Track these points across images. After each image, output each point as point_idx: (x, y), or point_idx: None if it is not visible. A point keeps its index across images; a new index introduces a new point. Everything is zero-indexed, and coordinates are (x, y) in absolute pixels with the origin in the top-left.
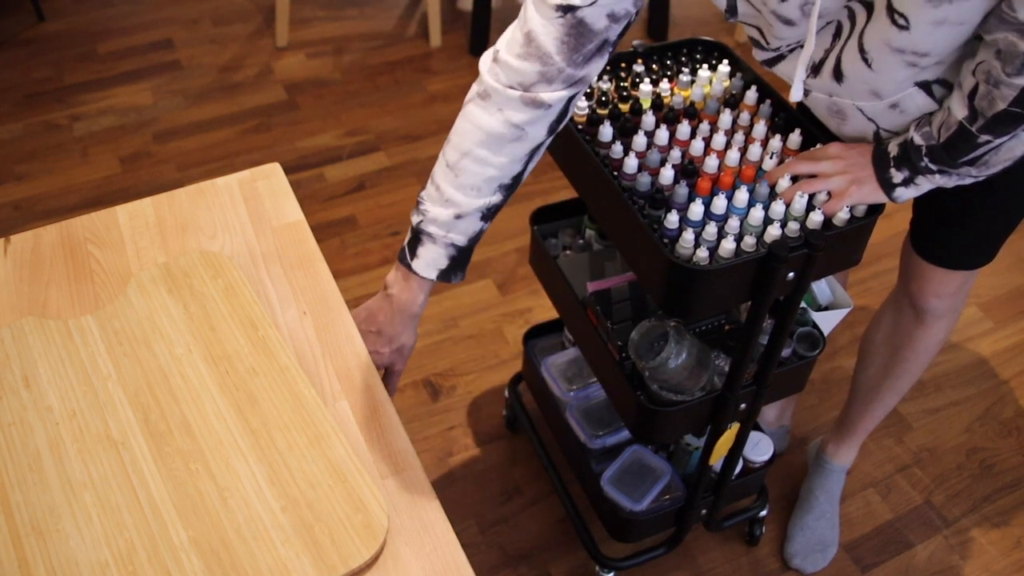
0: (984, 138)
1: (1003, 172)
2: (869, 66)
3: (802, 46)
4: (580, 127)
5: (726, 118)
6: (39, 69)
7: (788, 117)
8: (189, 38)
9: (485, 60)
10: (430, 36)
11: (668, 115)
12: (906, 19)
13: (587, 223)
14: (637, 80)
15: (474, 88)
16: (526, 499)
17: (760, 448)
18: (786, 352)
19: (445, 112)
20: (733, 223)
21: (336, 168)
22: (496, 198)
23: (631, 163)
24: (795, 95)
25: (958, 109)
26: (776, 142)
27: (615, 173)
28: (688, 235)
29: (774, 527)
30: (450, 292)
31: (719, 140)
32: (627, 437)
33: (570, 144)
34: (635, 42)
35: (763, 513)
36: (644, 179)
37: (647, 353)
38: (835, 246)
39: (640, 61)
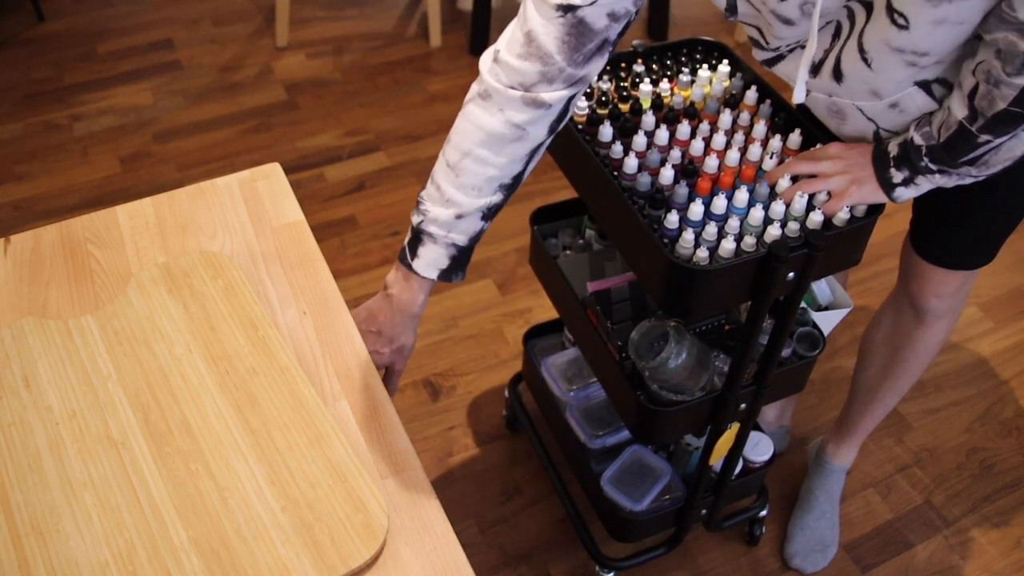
0: (984, 138)
1: (1003, 172)
2: (869, 66)
3: (802, 47)
4: (580, 127)
5: (726, 118)
6: (39, 69)
7: (788, 117)
8: (189, 38)
9: (485, 60)
10: (430, 36)
11: (668, 115)
12: (906, 19)
13: (587, 223)
14: (637, 80)
15: (474, 88)
16: (526, 499)
17: (760, 448)
18: (786, 352)
19: (445, 112)
20: (733, 223)
21: (336, 168)
22: (497, 198)
23: (631, 163)
24: (798, 96)
25: (958, 109)
26: (776, 142)
27: (615, 173)
28: (688, 235)
29: (774, 527)
30: (450, 292)
31: (719, 140)
32: (627, 437)
33: (570, 144)
34: (635, 42)
35: (763, 513)
36: (644, 179)
37: (647, 353)
38: (835, 246)
39: (640, 61)
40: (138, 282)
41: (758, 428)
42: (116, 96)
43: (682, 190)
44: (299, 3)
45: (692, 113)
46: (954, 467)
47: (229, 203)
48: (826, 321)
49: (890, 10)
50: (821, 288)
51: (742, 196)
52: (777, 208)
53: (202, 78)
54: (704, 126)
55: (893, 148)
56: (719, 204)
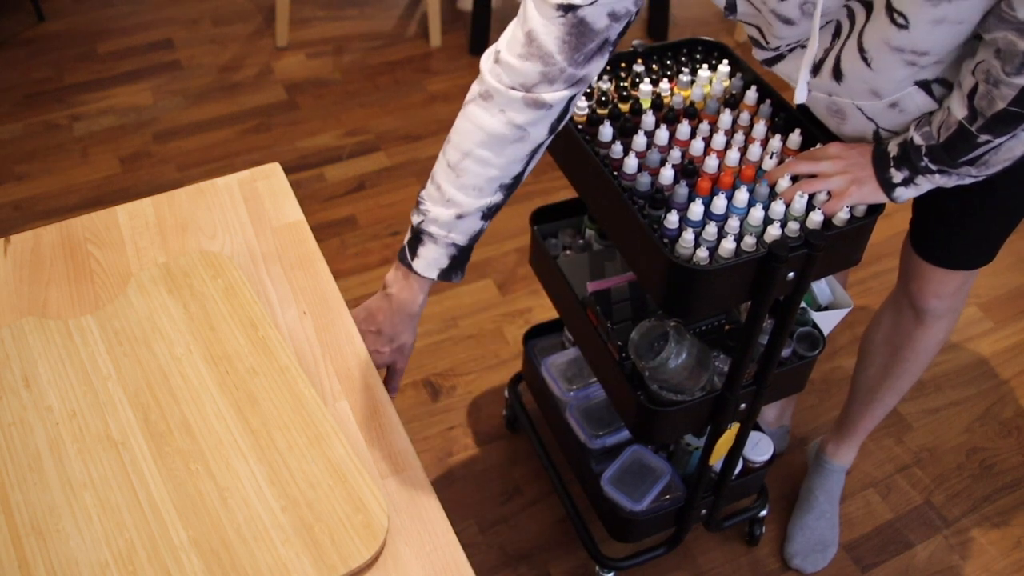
0: (984, 138)
1: (1003, 172)
2: (868, 65)
3: (802, 46)
4: (580, 127)
5: (726, 118)
6: (39, 69)
7: (788, 117)
8: (189, 38)
9: (486, 60)
10: (430, 36)
11: (668, 115)
12: (905, 18)
13: (587, 223)
14: (637, 80)
15: (475, 88)
16: (526, 499)
17: (760, 448)
18: (786, 352)
19: (445, 112)
20: (733, 223)
21: (336, 168)
22: (497, 198)
23: (631, 163)
24: (799, 96)
25: (958, 109)
26: (776, 142)
27: (615, 173)
28: (688, 235)
29: (774, 527)
30: (450, 292)
31: (719, 140)
32: (627, 437)
33: (570, 144)
34: (635, 42)
35: (763, 513)
36: (644, 179)
37: (647, 353)
38: (835, 246)
39: (640, 61)
40: (138, 282)
41: (758, 428)
42: (116, 96)
43: (682, 190)
44: (299, 3)
45: (692, 113)
46: (954, 467)
47: (229, 203)
48: (826, 321)
49: (890, 9)
50: (821, 288)
51: (742, 196)
52: (777, 208)
53: (202, 78)
54: (704, 126)
55: (893, 148)
56: (719, 204)
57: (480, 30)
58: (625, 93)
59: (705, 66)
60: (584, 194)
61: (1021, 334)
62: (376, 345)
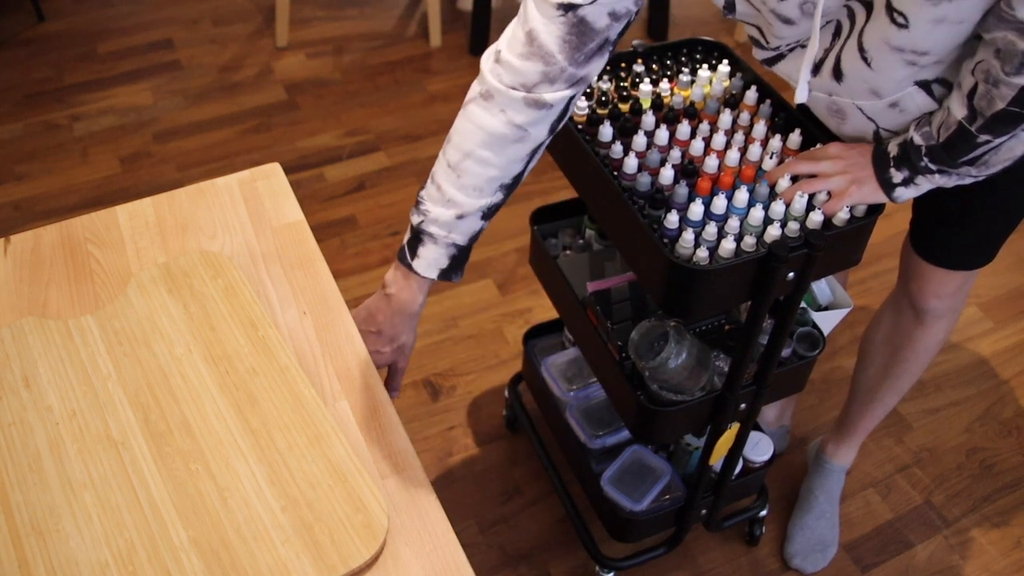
0: (983, 138)
1: (1003, 172)
2: (868, 65)
3: (802, 46)
4: (580, 127)
5: (726, 118)
6: (39, 69)
7: (788, 117)
8: (189, 38)
9: (487, 59)
10: (430, 36)
11: (668, 115)
12: (905, 17)
13: (587, 223)
14: (637, 80)
15: (476, 87)
16: (526, 499)
17: (760, 448)
18: (786, 352)
19: (445, 112)
20: (733, 223)
21: (336, 168)
22: (497, 197)
23: (631, 163)
24: (800, 96)
25: (957, 109)
26: (776, 142)
27: (615, 173)
28: (688, 235)
29: (774, 527)
30: (450, 292)
31: (719, 140)
32: (627, 437)
33: (570, 144)
34: (635, 42)
35: (763, 513)
36: (644, 179)
37: (647, 353)
38: (835, 246)
39: (640, 61)
40: (138, 282)
41: (758, 428)
42: (116, 96)
43: (682, 190)
44: (299, 3)
45: (692, 113)
46: (954, 467)
47: (229, 203)
48: (826, 321)
49: (890, 9)
50: (821, 288)
51: (742, 196)
52: (777, 208)
53: (202, 78)
54: (704, 126)
55: (893, 148)
56: (719, 204)
57: (480, 30)
58: (625, 93)
59: (705, 66)
60: (584, 194)
61: (1021, 334)
62: (376, 345)
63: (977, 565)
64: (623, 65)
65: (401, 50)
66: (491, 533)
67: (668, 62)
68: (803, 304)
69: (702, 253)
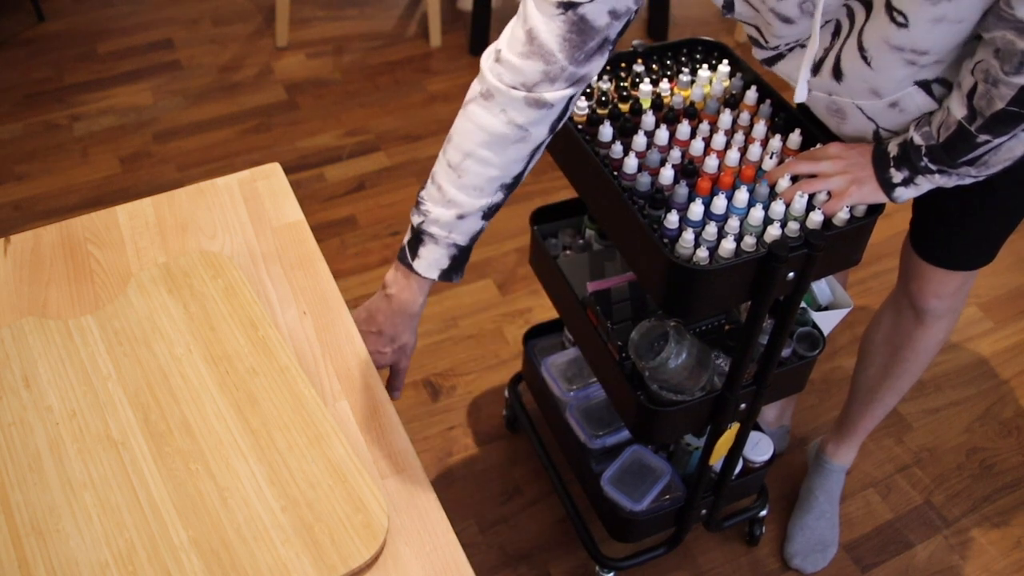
0: (983, 138)
1: (1003, 172)
2: (868, 64)
3: (802, 45)
4: (580, 127)
5: (726, 118)
6: (39, 69)
7: (788, 117)
8: (189, 38)
9: (487, 59)
10: (430, 36)
11: (668, 115)
12: (905, 16)
13: (587, 223)
14: (637, 80)
15: (476, 87)
16: (526, 499)
17: (760, 448)
18: (786, 352)
19: (445, 112)
20: (733, 223)
21: (336, 168)
22: (498, 197)
23: (631, 163)
24: (799, 95)
25: (957, 109)
26: (776, 142)
27: (615, 173)
28: (688, 235)
29: (774, 527)
30: (450, 292)
31: (719, 140)
32: (627, 437)
33: (570, 144)
34: (635, 42)
35: (763, 513)
36: (644, 179)
37: (647, 353)
38: (835, 246)
39: (640, 61)
40: (138, 282)
41: (758, 428)
42: (116, 96)
43: (682, 190)
44: (299, 3)
45: (692, 113)
46: (954, 467)
47: (229, 203)
48: (826, 321)
49: (889, 8)
50: (821, 288)
51: (742, 196)
52: (777, 208)
53: (202, 78)
54: (704, 126)
55: (893, 148)
56: (719, 204)
57: (480, 30)
58: (625, 93)
59: (705, 66)
60: (584, 194)
61: (1021, 334)
62: (377, 346)
63: (977, 565)
64: (623, 65)
65: (401, 50)
66: (491, 533)
67: (668, 62)
68: (803, 304)
69: (702, 253)
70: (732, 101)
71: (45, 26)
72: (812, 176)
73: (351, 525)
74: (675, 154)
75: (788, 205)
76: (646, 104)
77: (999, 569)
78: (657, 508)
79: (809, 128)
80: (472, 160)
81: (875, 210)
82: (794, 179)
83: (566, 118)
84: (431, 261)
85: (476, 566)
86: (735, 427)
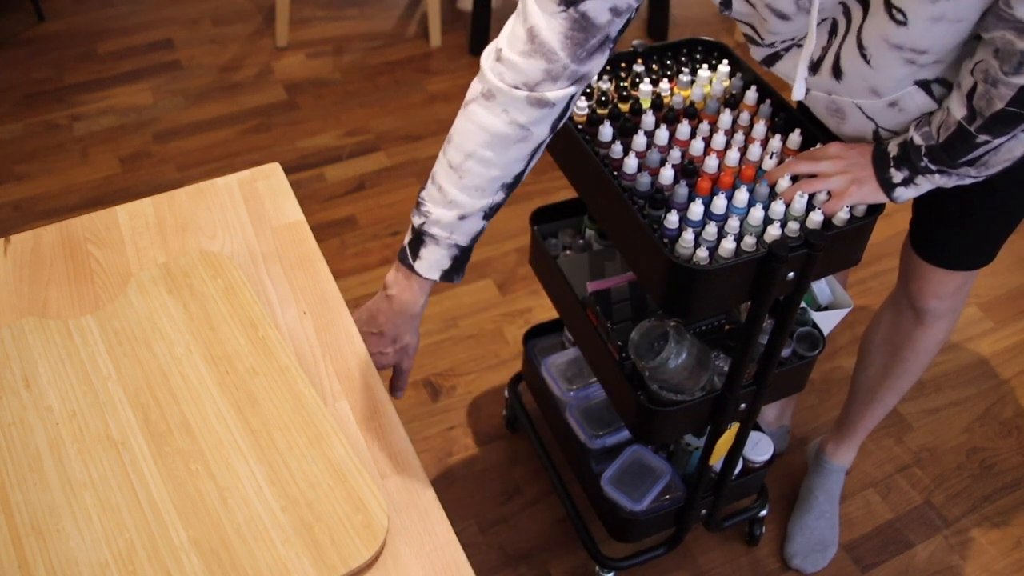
0: (983, 138)
1: (1003, 172)
2: (868, 63)
3: (799, 45)
4: (580, 127)
5: (726, 118)
6: (39, 69)
7: (788, 117)
8: (189, 38)
9: (487, 58)
10: (430, 36)
11: (668, 115)
12: (904, 15)
13: (587, 223)
14: (637, 80)
15: (476, 87)
16: (526, 499)
17: (760, 448)
18: (786, 352)
19: (445, 112)
20: (733, 223)
21: (336, 168)
22: (499, 197)
23: (631, 163)
24: (797, 94)
25: (957, 109)
26: (776, 142)
27: (615, 173)
28: (688, 235)
29: (774, 527)
30: (450, 292)
31: (719, 140)
32: (627, 437)
33: (570, 144)
34: (635, 42)
35: (763, 513)
36: (644, 179)
37: (647, 353)
38: (835, 246)
39: (640, 61)
40: (138, 282)
41: (758, 428)
42: (116, 96)
43: (682, 190)
44: (299, 3)
45: (692, 113)
46: (954, 467)
47: (229, 203)
48: (826, 321)
49: (889, 6)
50: (821, 288)
51: (742, 196)
52: (777, 208)
53: (202, 78)
54: (704, 126)
55: (893, 148)
56: (719, 204)
57: (480, 30)
58: (625, 93)
59: (705, 66)
60: (584, 194)
61: (1021, 334)
62: (379, 347)
63: (977, 565)
64: (623, 65)
65: (401, 50)
66: (491, 533)
67: (668, 62)
68: (803, 304)
69: (702, 253)
70: (732, 101)
71: (45, 26)
72: (812, 176)
73: (351, 525)
74: (675, 154)
75: (788, 205)
76: (646, 104)
77: (999, 569)
78: (657, 508)
79: (809, 128)
80: (473, 160)
81: (875, 210)
82: (794, 179)
83: (567, 117)
84: (432, 262)
85: (476, 566)
86: (735, 427)
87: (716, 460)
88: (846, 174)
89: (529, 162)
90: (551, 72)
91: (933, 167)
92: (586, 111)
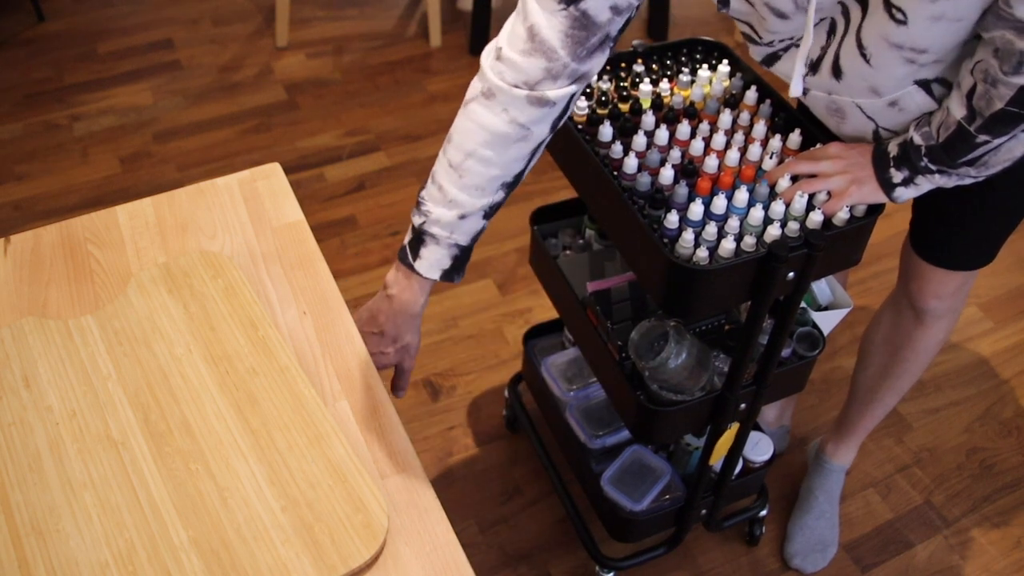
0: (982, 138)
1: (1003, 172)
2: (868, 62)
3: (798, 46)
4: (580, 127)
5: (726, 118)
6: (39, 69)
7: (788, 117)
8: (189, 38)
9: (487, 56)
10: (430, 36)
11: (668, 115)
12: (904, 14)
13: (587, 223)
14: (637, 80)
15: (476, 85)
16: (526, 499)
17: (760, 448)
18: (786, 352)
19: (445, 112)
20: (733, 223)
21: (336, 168)
22: (499, 196)
23: (631, 163)
24: (794, 90)
25: (957, 109)
26: (776, 142)
27: (615, 173)
28: (688, 235)
29: (774, 527)
30: (450, 292)
31: (719, 140)
32: (627, 437)
33: (570, 144)
34: (635, 42)
35: (763, 513)
36: (644, 179)
37: (647, 353)
38: (835, 246)
39: (640, 61)
40: (138, 282)
41: (758, 428)
42: (116, 96)
43: (682, 190)
44: (299, 3)
45: (692, 113)
46: (954, 467)
47: (229, 203)
48: (826, 321)
49: (888, 5)
50: (821, 288)
51: (742, 196)
52: (777, 208)
53: (202, 78)
54: (704, 126)
55: (893, 148)
56: (719, 204)
57: (480, 30)
58: (625, 93)
59: (705, 66)
60: (584, 194)
61: (1021, 334)
62: (380, 347)
63: (977, 565)
64: (623, 65)
65: (401, 50)
66: (491, 533)
67: (668, 62)
68: (803, 304)
69: (702, 253)
70: (732, 101)
71: (45, 26)
72: (812, 176)
73: (351, 525)
74: (675, 154)
75: (788, 205)
76: (646, 104)
77: (999, 569)
78: (657, 508)
79: (809, 128)
80: (474, 160)
81: (875, 210)
82: (794, 179)
83: (567, 116)
84: (433, 261)
85: (476, 566)
86: (735, 427)
87: (716, 460)
88: (846, 174)
89: (529, 161)
90: (551, 71)
91: (933, 167)
92: (586, 111)
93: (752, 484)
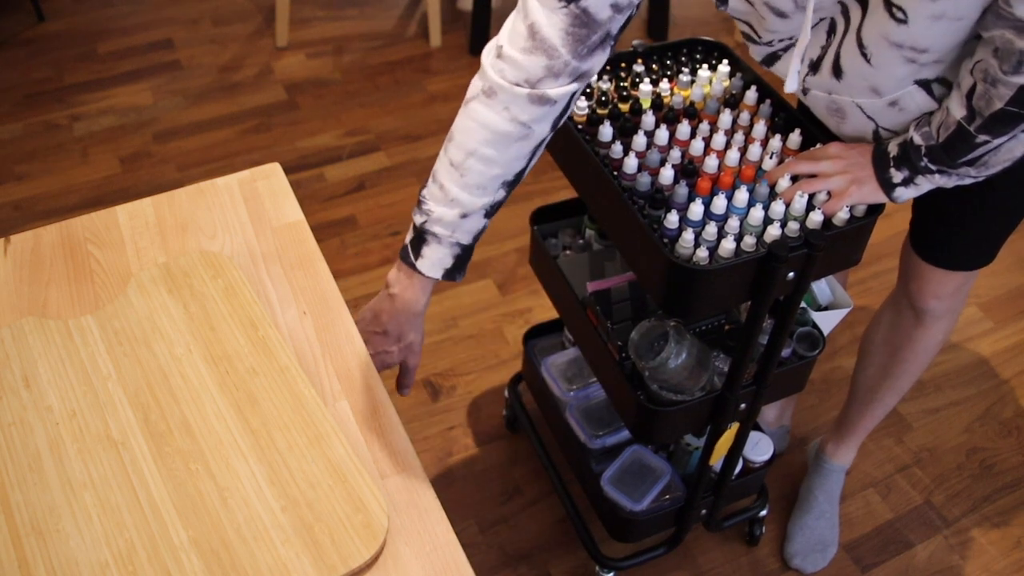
0: (982, 138)
1: (1003, 172)
2: (868, 61)
3: (795, 45)
4: (580, 127)
5: (726, 118)
6: (39, 69)
7: (788, 117)
8: (189, 38)
9: (488, 55)
10: (430, 36)
11: (668, 115)
12: (904, 12)
13: (587, 223)
14: (637, 80)
15: (477, 84)
16: (526, 499)
17: (760, 448)
18: (786, 352)
19: (445, 112)
20: (733, 223)
21: (336, 168)
22: (500, 195)
23: (631, 163)
24: (790, 86)
25: (956, 109)
26: (776, 142)
27: (615, 173)
28: (688, 235)
29: (774, 527)
30: (450, 292)
31: (719, 140)
32: (627, 437)
33: (570, 144)
34: (635, 42)
35: (763, 513)
36: (644, 179)
37: (647, 353)
38: (835, 246)
39: (640, 61)
40: (138, 282)
41: (758, 428)
42: (116, 96)
43: (682, 190)
44: (299, 3)
45: (692, 113)
46: (954, 467)
47: (229, 203)
48: (826, 321)
49: (888, 4)
50: (821, 288)
51: (742, 196)
52: (777, 208)
53: (202, 78)
54: (704, 126)
55: (893, 148)
56: (719, 204)
57: (480, 30)
58: (625, 93)
59: (705, 66)
60: (584, 194)
61: (1021, 334)
62: (384, 346)
63: (977, 565)
64: (623, 65)
65: (401, 50)
66: (491, 533)
67: (668, 62)
68: (803, 304)
69: (702, 253)
70: (732, 101)
71: (45, 26)
72: (812, 176)
73: (351, 525)
74: (675, 154)
75: (788, 205)
76: (646, 104)
77: (999, 569)
78: (657, 508)
79: (809, 128)
80: (475, 158)
81: (875, 210)
82: (794, 179)
83: (568, 115)
84: (434, 260)
85: (476, 566)
86: (735, 427)
87: (716, 460)
88: (846, 174)
89: (530, 160)
90: (552, 69)
91: (933, 167)
92: (586, 111)
93: (752, 484)
